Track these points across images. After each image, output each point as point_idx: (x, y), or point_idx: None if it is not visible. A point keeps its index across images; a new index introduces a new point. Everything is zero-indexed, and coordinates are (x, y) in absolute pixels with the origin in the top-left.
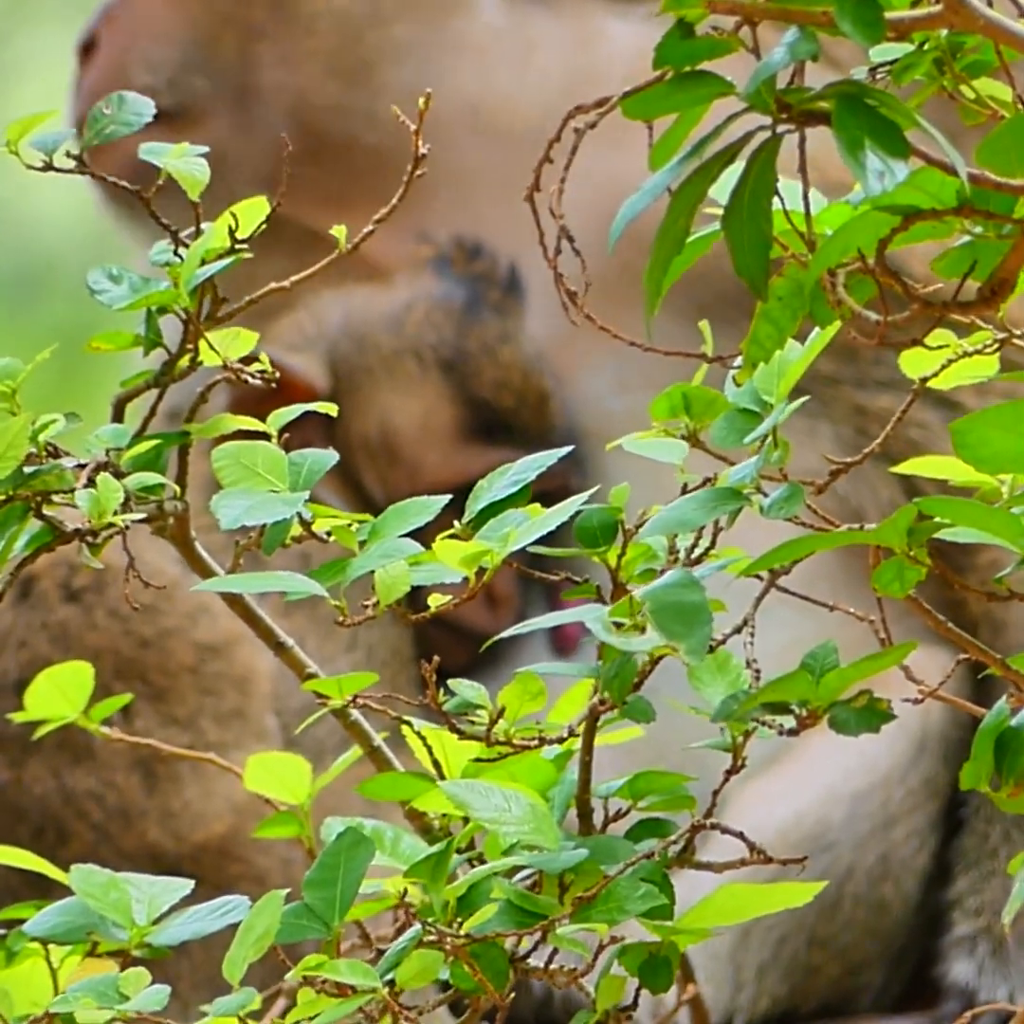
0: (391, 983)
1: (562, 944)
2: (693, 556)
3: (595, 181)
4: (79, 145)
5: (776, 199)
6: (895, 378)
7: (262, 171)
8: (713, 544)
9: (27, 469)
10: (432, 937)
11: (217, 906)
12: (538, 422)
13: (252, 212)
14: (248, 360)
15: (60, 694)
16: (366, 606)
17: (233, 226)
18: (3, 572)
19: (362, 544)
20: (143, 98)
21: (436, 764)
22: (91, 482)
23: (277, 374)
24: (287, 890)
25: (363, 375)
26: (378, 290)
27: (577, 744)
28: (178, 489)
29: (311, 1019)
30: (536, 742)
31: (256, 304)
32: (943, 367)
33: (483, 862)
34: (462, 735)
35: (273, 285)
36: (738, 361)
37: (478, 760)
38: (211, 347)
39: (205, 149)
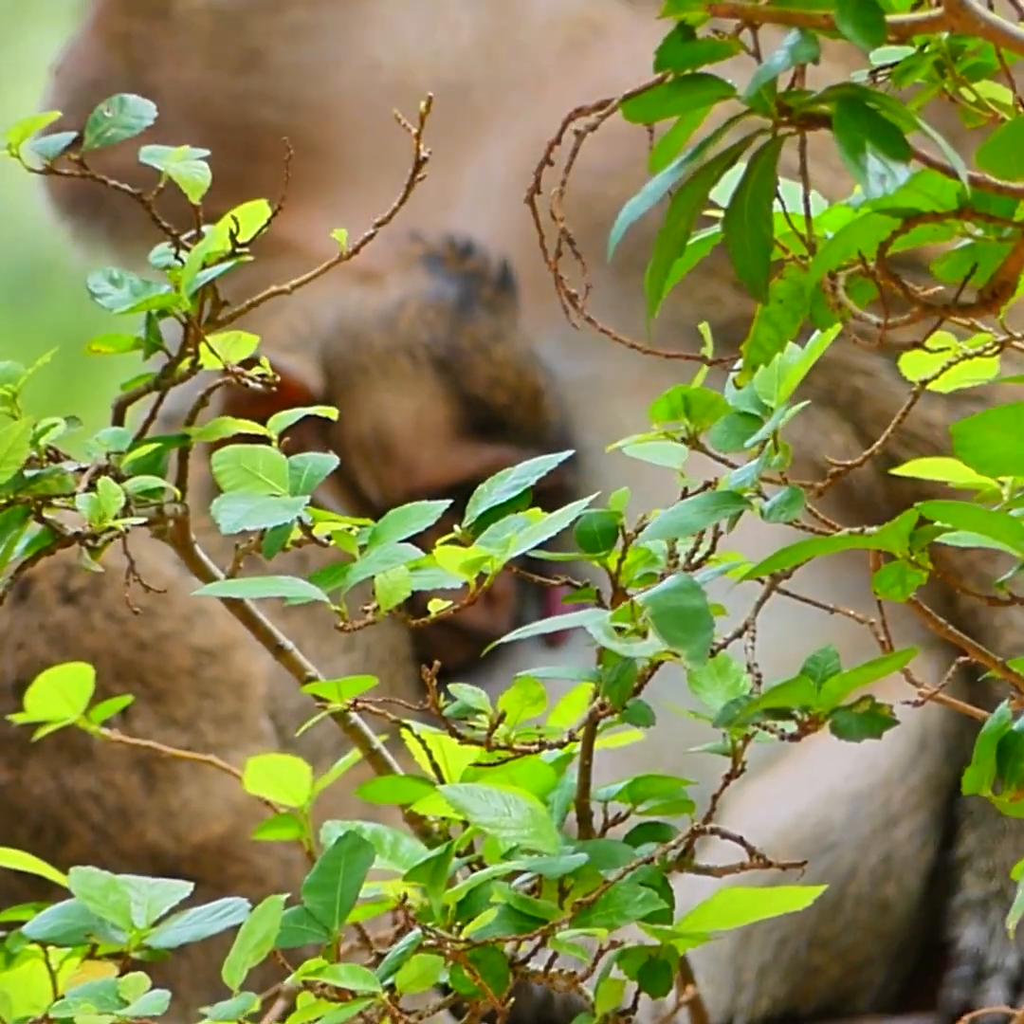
0: (391, 987)
1: (562, 949)
2: (693, 561)
3: (521, 137)
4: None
5: (776, 201)
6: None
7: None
8: (713, 548)
9: (28, 473)
10: (432, 941)
11: (217, 908)
12: (532, 418)
13: (253, 216)
14: (247, 363)
15: (60, 695)
16: (366, 611)
17: (234, 230)
18: (3, 575)
19: (362, 549)
20: (144, 101)
21: (435, 768)
22: (92, 486)
23: (277, 377)
24: (287, 895)
25: (357, 374)
26: (371, 289)
27: (576, 748)
28: (178, 492)
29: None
30: (536, 747)
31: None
32: (944, 369)
33: (483, 866)
34: (463, 740)
35: (273, 288)
36: (739, 364)
37: (478, 765)
38: (212, 351)
39: (205, 152)
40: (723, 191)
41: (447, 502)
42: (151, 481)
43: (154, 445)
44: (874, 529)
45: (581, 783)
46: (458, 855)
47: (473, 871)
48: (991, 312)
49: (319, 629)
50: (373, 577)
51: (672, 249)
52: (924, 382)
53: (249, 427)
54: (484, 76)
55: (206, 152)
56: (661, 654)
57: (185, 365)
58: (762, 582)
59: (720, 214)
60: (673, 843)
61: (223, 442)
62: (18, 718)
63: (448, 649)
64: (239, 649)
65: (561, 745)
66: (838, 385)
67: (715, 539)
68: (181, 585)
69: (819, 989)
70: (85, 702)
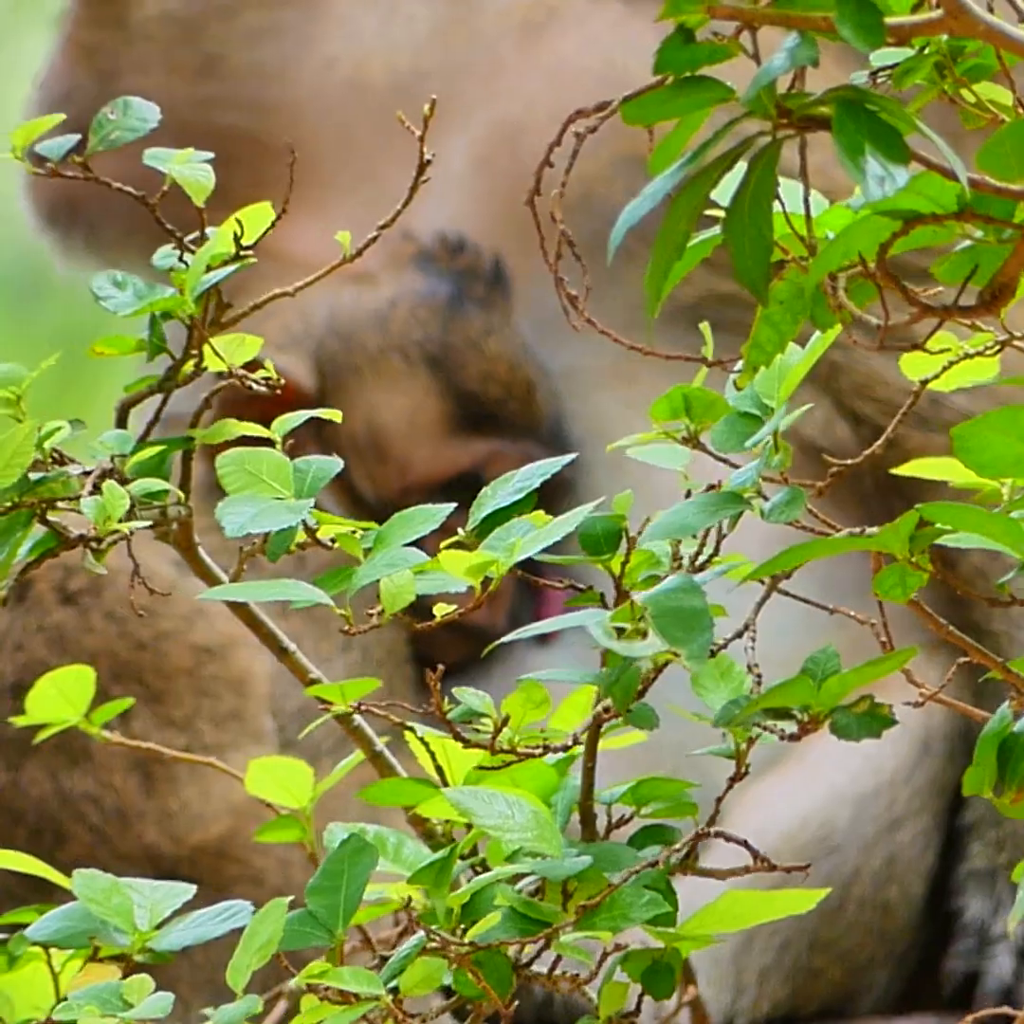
0: (394, 990)
1: (566, 951)
2: (697, 563)
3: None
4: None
5: (776, 203)
6: None
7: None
8: (717, 550)
9: (32, 476)
10: (435, 944)
11: (220, 911)
12: (526, 411)
13: (256, 218)
14: (249, 365)
15: (61, 697)
16: (371, 614)
17: (238, 233)
18: (7, 577)
19: (367, 552)
20: (148, 104)
21: (439, 770)
22: (96, 489)
23: (282, 380)
24: (290, 897)
25: (350, 373)
26: (363, 288)
27: (579, 750)
28: (182, 495)
29: None
30: (540, 750)
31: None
32: (944, 369)
33: (486, 869)
34: (467, 744)
35: (277, 291)
36: (739, 365)
37: (481, 768)
38: (216, 353)
39: (209, 155)
40: (723, 193)
41: (451, 505)
42: (155, 484)
43: (158, 448)
44: (874, 530)
45: (585, 786)
46: (462, 858)
47: (477, 874)
48: (991, 314)
49: (318, 629)
50: (377, 580)
51: (672, 251)
52: (924, 382)
53: (253, 430)
54: (441, 65)
55: (210, 155)
56: (661, 654)
57: (189, 367)
58: (762, 583)
59: (719, 214)
60: (677, 846)
61: (223, 443)
62: (19, 721)
63: (446, 646)
64: (238, 649)
65: (565, 749)
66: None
67: (719, 541)
68: (181, 586)
69: (820, 991)
70: (86, 704)
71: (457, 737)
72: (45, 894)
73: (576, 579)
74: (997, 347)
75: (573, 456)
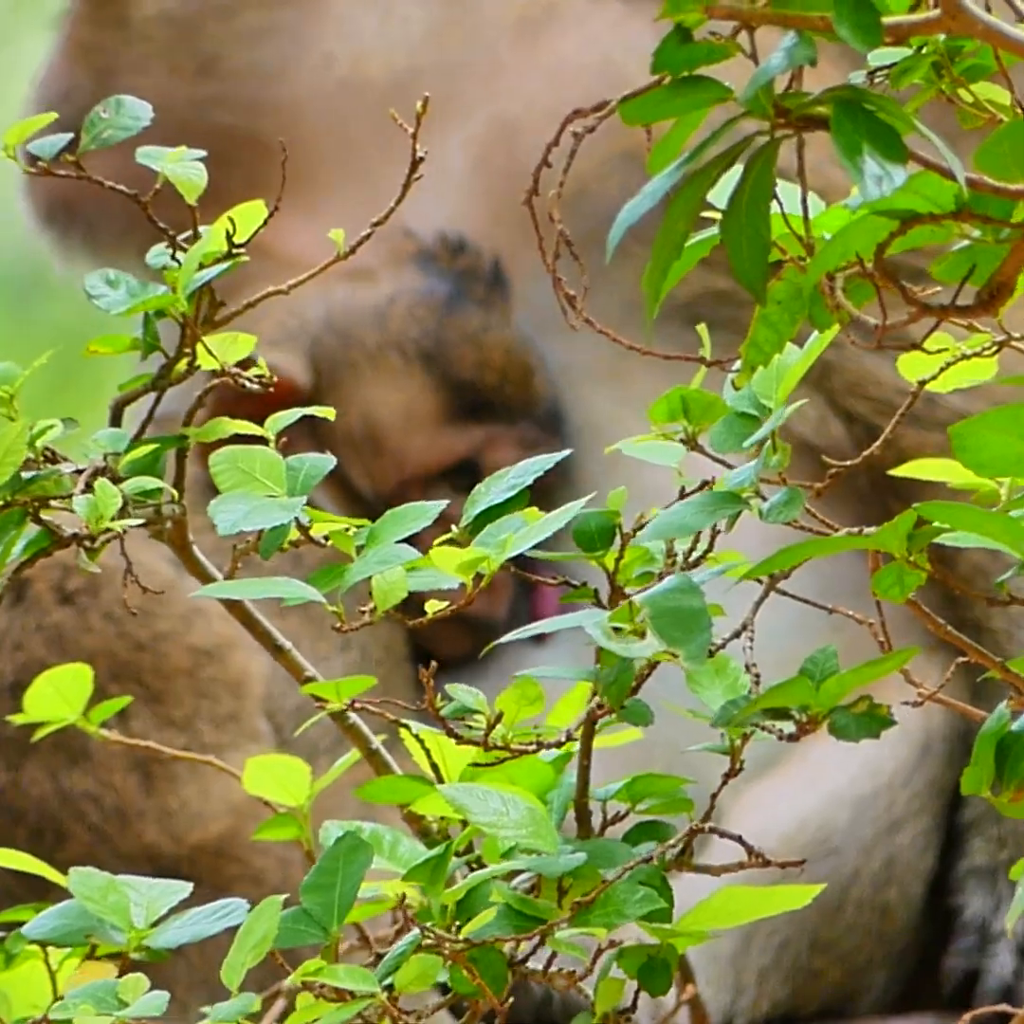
0: (390, 987)
1: (561, 948)
2: (691, 560)
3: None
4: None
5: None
6: None
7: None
8: (711, 546)
9: (25, 474)
10: (431, 941)
11: (216, 909)
12: (522, 396)
13: (249, 216)
14: (243, 363)
15: (59, 696)
16: (363, 611)
17: (230, 231)
18: (1, 577)
19: (360, 549)
20: (141, 102)
21: (434, 767)
22: (89, 487)
23: (274, 378)
24: (286, 895)
25: (346, 370)
26: (360, 285)
27: (575, 747)
28: (175, 493)
29: None
30: (534, 747)
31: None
32: (942, 370)
33: (482, 866)
34: (460, 740)
35: (270, 289)
36: (736, 365)
37: (476, 765)
38: (209, 351)
39: (202, 153)
40: (721, 193)
41: (444, 502)
42: (149, 482)
43: (152, 446)
44: (873, 529)
45: (580, 782)
46: (457, 855)
47: (472, 871)
48: (989, 313)
49: (315, 628)
50: (370, 577)
51: (671, 250)
52: (922, 382)
53: (247, 428)
54: (439, 65)
55: (202, 153)
56: (659, 654)
57: (182, 365)
58: (760, 582)
59: (717, 215)
60: (672, 842)
61: (217, 441)
62: (17, 719)
63: (446, 639)
64: (236, 649)
65: (559, 745)
66: None
67: (713, 538)
68: (178, 585)
69: (820, 992)
70: (84, 703)
71: (450, 734)
72: (46, 894)
73: (570, 575)
74: (995, 347)
75: (567, 452)
